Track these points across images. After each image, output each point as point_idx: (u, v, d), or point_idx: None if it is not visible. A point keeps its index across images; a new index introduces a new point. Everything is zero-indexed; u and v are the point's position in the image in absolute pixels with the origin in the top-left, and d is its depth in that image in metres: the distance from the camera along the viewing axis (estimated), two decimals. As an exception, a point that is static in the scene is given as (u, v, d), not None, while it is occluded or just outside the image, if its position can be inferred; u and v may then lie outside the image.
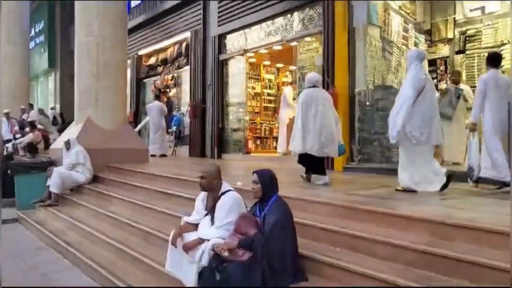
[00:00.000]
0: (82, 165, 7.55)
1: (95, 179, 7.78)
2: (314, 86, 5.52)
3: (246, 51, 10.28)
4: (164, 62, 13.65)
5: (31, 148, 12.28)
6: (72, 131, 8.49)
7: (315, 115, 5.32)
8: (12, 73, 15.70)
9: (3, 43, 15.74)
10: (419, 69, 4.63)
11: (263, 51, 10.63)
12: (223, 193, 3.53)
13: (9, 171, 8.26)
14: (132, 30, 14.48)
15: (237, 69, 10.83)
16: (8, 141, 14.33)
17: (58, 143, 8.93)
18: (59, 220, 6.64)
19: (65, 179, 7.40)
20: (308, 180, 5.58)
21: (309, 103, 5.36)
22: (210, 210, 3.58)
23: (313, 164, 5.52)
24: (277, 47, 9.94)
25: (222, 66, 11.02)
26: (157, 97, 11.93)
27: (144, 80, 14.91)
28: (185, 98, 12.79)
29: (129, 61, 15.09)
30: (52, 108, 17.67)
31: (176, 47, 13.03)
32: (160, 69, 13.97)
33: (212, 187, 3.53)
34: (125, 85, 9.07)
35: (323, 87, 8.00)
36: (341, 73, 7.74)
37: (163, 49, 13.78)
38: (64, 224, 6.43)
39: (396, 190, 4.71)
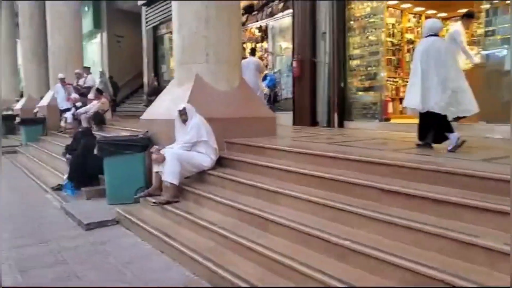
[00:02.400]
0: (205, 143, 5.29)
1: (216, 161, 5.54)
2: (435, 35, 4.75)
3: (386, -18, 7.70)
4: (249, 9, 11.14)
5: (99, 118, 10.19)
6: (177, 95, 6.20)
7: (436, 67, 4.54)
8: (62, 32, 13.51)
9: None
10: None
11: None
12: None
13: (96, 151, 6.10)
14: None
15: (367, 10, 8.24)
16: (65, 111, 12.34)
17: (151, 112, 6.69)
18: (193, 228, 4.43)
19: (184, 164, 5.17)
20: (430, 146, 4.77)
21: (430, 54, 4.60)
22: None
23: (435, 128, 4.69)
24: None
25: (343, 7, 8.47)
26: (253, 52, 9.51)
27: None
28: (281, 53, 10.32)
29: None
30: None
31: (266, -11, 10.46)
32: (243, 18, 11.45)
33: None
34: (240, 31, 6.65)
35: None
36: None
37: (247, -6, 11.26)
38: (206, 235, 4.21)
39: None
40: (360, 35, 8.42)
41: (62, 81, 12.68)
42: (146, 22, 16.11)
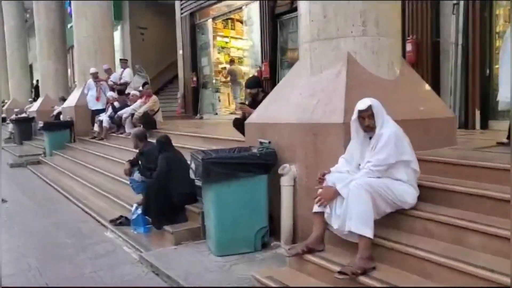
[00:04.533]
0: (405, 166, 3.12)
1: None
2: None
3: None
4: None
5: (149, 121, 8.09)
6: (315, 87, 4.06)
7: None
8: (90, 18, 11.37)
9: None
10: None
11: None
12: None
13: (193, 174, 3.98)
14: None
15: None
16: (99, 112, 10.25)
17: (266, 113, 4.54)
18: None
19: (378, 200, 3.02)
20: None
21: None
22: None
23: None
24: None
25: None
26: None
27: (284, 17, 10.24)
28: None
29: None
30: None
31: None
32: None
33: None
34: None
35: None
36: None
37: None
38: None
39: None
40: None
41: (95, 76, 10.59)
42: (181, 9, 13.94)
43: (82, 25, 11.25)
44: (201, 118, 13.00)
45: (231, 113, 12.76)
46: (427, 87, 4.53)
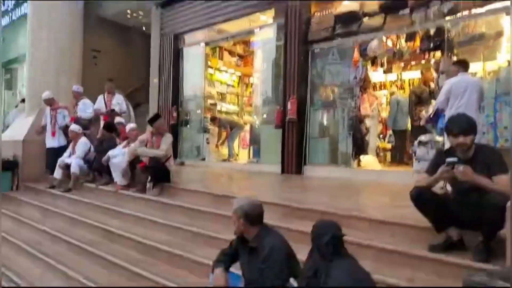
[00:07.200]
0: None
1: None
2: None
3: None
4: (392, 7, 6.98)
5: (162, 173, 5.42)
6: None
7: None
8: (56, 23, 8.47)
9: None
10: None
11: None
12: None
13: None
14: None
15: None
16: (56, 151, 7.31)
17: None
18: None
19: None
20: None
21: None
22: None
23: None
24: None
25: None
26: (465, 65, 5.33)
27: (316, 46, 8.06)
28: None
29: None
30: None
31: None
32: (374, 21, 7.28)
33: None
34: None
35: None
36: None
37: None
38: None
39: None
40: None
41: (49, 103, 7.64)
42: (162, 30, 11.35)
43: (42, 31, 8.29)
44: (182, 163, 10.20)
45: (224, 160, 10.18)
46: None
